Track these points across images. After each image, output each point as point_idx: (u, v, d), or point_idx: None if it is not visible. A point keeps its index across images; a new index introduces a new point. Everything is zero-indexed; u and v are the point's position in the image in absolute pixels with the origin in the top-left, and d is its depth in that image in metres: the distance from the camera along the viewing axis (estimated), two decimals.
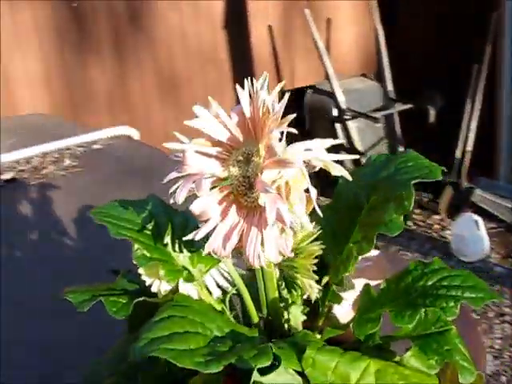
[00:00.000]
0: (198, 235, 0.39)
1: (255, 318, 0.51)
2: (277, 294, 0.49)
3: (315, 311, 0.51)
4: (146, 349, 0.39)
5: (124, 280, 0.52)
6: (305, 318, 0.50)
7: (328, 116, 3.05)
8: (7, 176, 1.46)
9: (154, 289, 0.48)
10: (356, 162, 2.94)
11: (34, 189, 1.41)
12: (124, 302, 0.47)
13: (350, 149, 2.96)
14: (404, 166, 0.48)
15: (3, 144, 1.76)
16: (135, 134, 1.86)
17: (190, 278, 0.48)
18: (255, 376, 0.38)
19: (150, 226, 0.49)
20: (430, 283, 0.47)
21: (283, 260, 0.49)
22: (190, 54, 2.97)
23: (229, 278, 0.52)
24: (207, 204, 0.38)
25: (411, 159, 0.48)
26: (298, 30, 3.14)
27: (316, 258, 0.47)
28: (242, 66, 3.10)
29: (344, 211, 0.49)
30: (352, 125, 2.98)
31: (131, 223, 0.49)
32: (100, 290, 0.49)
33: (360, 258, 0.56)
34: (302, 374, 0.44)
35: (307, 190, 0.42)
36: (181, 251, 0.49)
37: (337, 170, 0.40)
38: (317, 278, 0.47)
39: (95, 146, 1.64)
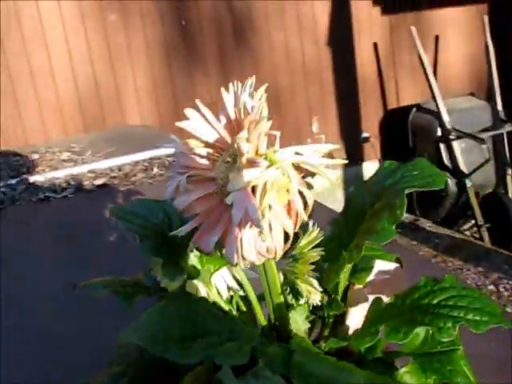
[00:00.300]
0: (183, 231, 0.41)
1: (263, 322, 0.51)
2: (282, 299, 0.49)
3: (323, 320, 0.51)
4: (127, 336, 0.41)
5: (144, 275, 0.55)
6: (308, 325, 0.49)
7: (432, 136, 2.96)
8: (99, 181, 1.56)
9: (162, 284, 0.50)
10: (458, 184, 2.83)
11: (122, 194, 1.49)
12: (130, 293, 0.49)
13: (454, 170, 2.86)
14: (409, 175, 0.46)
15: (103, 152, 1.87)
16: None
17: (193, 277, 0.49)
18: (224, 375, 0.39)
19: (163, 225, 0.51)
20: (435, 301, 0.45)
21: (286, 264, 0.49)
22: (293, 71, 3.00)
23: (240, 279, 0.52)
24: (190, 201, 0.40)
25: (418, 168, 0.47)
26: (403, 47, 3.09)
27: (313, 264, 0.46)
28: (346, 84, 3.09)
29: (352, 218, 0.49)
30: (457, 145, 2.87)
31: (145, 220, 0.51)
32: (114, 283, 0.51)
33: (377, 270, 0.55)
34: (289, 379, 0.43)
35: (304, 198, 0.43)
36: (191, 251, 0.50)
37: (327, 176, 0.40)
38: (313, 283, 0.46)
39: None
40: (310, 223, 0.51)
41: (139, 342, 0.40)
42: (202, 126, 0.41)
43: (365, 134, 3.14)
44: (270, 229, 0.41)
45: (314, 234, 0.47)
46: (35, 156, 2.01)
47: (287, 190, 0.41)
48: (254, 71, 2.92)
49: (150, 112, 2.85)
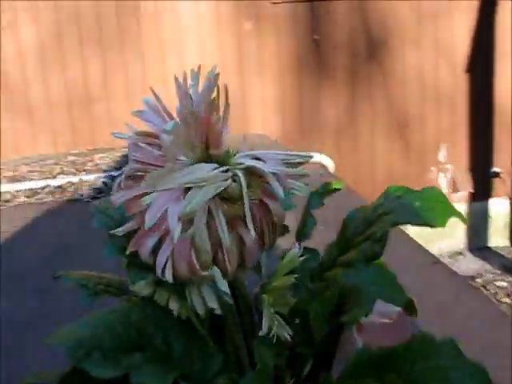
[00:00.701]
0: (120, 231, 0.37)
1: (238, 345, 0.46)
2: (253, 327, 0.44)
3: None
4: (52, 337, 0.38)
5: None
6: (273, 362, 0.43)
7: None
8: None
9: (131, 288, 0.46)
10: None
11: None
12: (96, 290, 0.46)
13: None
14: (409, 205, 0.39)
15: None
16: (329, 163, 1.81)
17: (161, 284, 0.45)
18: None
19: None
20: (418, 366, 0.37)
21: (257, 293, 0.43)
22: (425, 95, 2.86)
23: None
24: (128, 198, 0.36)
25: (425, 198, 0.39)
26: None
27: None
28: (481, 114, 2.90)
29: (341, 245, 0.42)
30: None
31: (123, 216, 0.48)
32: (88, 278, 0.49)
33: (376, 313, 0.47)
34: None
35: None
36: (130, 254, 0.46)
37: (274, 186, 0.34)
38: (272, 312, 0.40)
39: None
40: (296, 245, 0.45)
41: (59, 345, 0.37)
42: (155, 118, 0.37)
43: (495, 169, 2.92)
44: (220, 242, 0.36)
45: (288, 258, 0.41)
46: None
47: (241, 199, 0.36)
48: (384, 92, 2.82)
49: (274, 123, 2.84)
